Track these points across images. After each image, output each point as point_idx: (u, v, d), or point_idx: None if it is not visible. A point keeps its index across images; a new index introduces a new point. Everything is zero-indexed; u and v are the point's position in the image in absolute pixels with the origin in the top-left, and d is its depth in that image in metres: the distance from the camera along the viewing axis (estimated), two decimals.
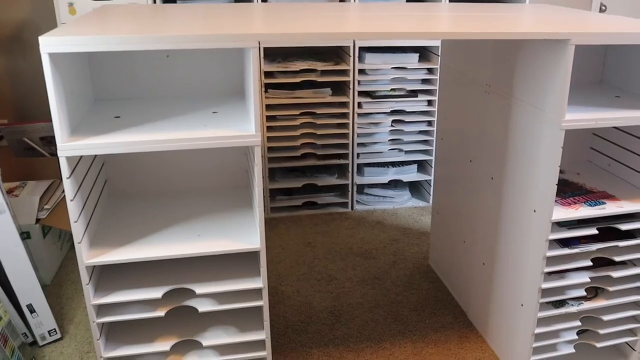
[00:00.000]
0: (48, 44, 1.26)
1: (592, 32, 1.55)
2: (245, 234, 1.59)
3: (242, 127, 1.47)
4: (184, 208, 1.77)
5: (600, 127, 1.68)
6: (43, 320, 2.07)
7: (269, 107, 2.96)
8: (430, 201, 3.26)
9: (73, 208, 1.40)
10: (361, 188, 3.28)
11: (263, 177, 3.02)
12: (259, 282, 1.57)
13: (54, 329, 2.10)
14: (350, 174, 3.15)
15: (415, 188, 3.43)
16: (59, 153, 1.34)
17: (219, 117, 1.57)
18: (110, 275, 1.61)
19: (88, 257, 1.48)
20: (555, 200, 1.82)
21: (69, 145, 1.35)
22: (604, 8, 3.87)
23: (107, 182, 1.83)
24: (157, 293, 1.53)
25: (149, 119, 1.55)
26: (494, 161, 1.98)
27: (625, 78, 1.98)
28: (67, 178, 1.37)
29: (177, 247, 1.52)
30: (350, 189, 3.18)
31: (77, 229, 1.43)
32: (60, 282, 2.48)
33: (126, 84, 1.77)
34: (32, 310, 2.05)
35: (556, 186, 1.67)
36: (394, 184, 3.31)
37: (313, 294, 2.41)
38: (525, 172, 1.80)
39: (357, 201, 3.24)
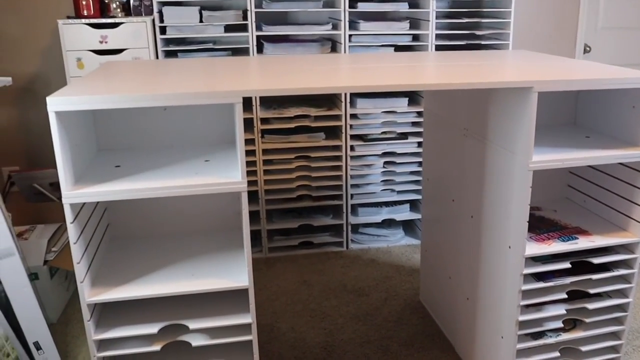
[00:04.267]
0: (55, 103, 1.41)
1: (553, 80, 1.69)
2: (236, 273, 1.71)
3: (230, 174, 1.61)
4: (180, 249, 1.90)
5: (568, 166, 1.80)
6: (49, 357, 2.18)
7: (265, 151, 3.10)
8: None
9: (76, 250, 1.53)
10: (355, 227, 3.40)
11: (261, 218, 3.16)
12: (248, 318, 1.68)
13: None
14: (344, 214, 3.27)
15: (408, 226, 3.54)
16: (64, 200, 1.48)
17: (210, 165, 1.71)
18: (110, 313, 1.73)
19: (90, 295, 1.60)
20: (530, 237, 1.94)
21: (73, 194, 1.49)
22: (588, 49, 4.03)
23: (109, 226, 1.96)
24: (153, 329, 1.65)
25: (146, 168, 1.69)
26: (473, 200, 2.11)
27: (595, 120, 2.11)
28: (71, 223, 1.50)
29: (172, 286, 1.64)
30: (345, 228, 3.29)
31: (80, 269, 1.55)
32: (66, 321, 2.59)
33: (127, 135, 1.92)
34: (38, 347, 2.16)
35: (527, 223, 1.79)
36: (388, 223, 3.43)
37: (307, 330, 2.51)
38: (500, 210, 1.92)
39: (351, 240, 3.35)
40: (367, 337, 2.45)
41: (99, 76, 1.79)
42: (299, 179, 3.17)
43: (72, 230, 1.51)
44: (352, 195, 3.27)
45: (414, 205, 3.43)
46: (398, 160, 3.24)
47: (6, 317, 2.13)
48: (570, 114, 2.23)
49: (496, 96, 1.89)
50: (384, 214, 3.34)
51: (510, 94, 1.80)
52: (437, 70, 1.91)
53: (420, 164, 3.29)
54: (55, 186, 3.23)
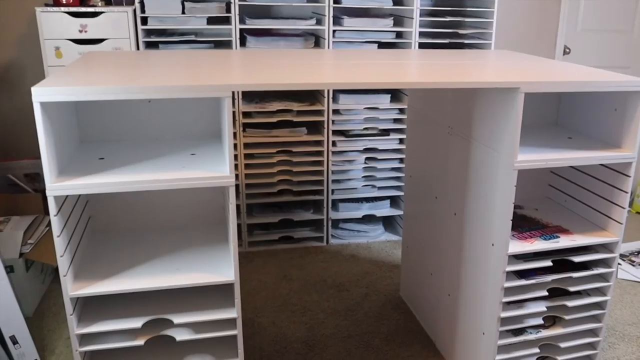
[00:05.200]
0: (40, 94, 1.37)
1: (540, 81, 1.71)
2: (221, 267, 1.69)
3: (217, 168, 1.59)
4: (164, 243, 1.87)
5: (551, 166, 1.82)
6: (25, 351, 2.14)
7: (247, 145, 3.08)
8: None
9: (59, 243, 1.50)
10: (336, 223, 3.40)
11: (241, 212, 3.14)
12: (233, 313, 1.67)
13: (36, 359, 2.17)
14: (325, 209, 3.27)
15: (388, 222, 3.56)
16: (48, 193, 1.45)
17: (196, 159, 1.69)
18: (92, 306, 1.70)
19: (72, 289, 1.57)
20: (512, 235, 1.96)
21: (57, 186, 1.46)
22: (568, 50, 4.08)
23: (90, 219, 1.93)
24: (137, 323, 1.63)
25: (131, 161, 1.67)
26: (457, 198, 2.12)
27: (577, 121, 2.14)
28: (55, 215, 1.47)
29: (157, 280, 1.62)
30: (325, 223, 3.30)
31: (63, 262, 1.52)
32: (41, 315, 2.55)
33: (109, 128, 1.88)
34: (14, 341, 2.12)
35: (511, 221, 1.81)
36: (368, 219, 3.44)
37: (288, 325, 2.50)
38: (484, 208, 1.93)
39: (332, 235, 3.36)
40: (348, 332, 2.46)
41: (81, 67, 1.76)
42: (280, 174, 3.15)
43: (55, 223, 1.48)
44: (333, 191, 3.27)
45: (394, 201, 3.45)
46: (379, 156, 3.24)
47: None
48: (553, 115, 2.26)
49: (482, 95, 1.90)
50: (364, 210, 3.35)
51: (496, 94, 1.81)
52: (422, 68, 1.91)
53: (401, 160, 3.30)
54: (30, 177, 3.17)
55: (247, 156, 3.10)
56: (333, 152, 3.19)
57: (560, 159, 1.82)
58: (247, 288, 2.82)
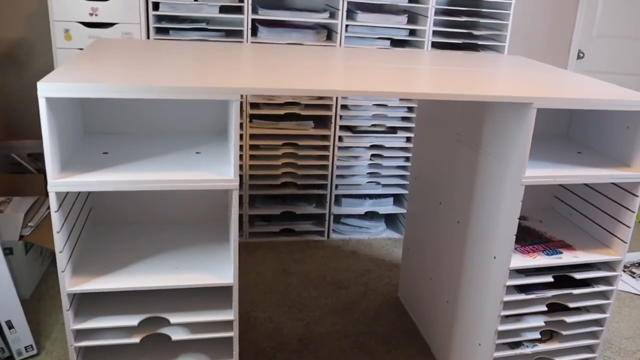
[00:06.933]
0: (46, 89, 1.35)
1: (553, 97, 1.68)
2: (220, 269, 1.68)
3: (222, 170, 1.57)
4: (163, 240, 1.86)
5: (560, 183, 1.80)
6: (20, 336, 2.14)
7: (253, 136, 3.06)
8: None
9: (59, 239, 1.49)
10: (338, 218, 3.39)
11: (244, 203, 3.13)
12: (230, 315, 1.66)
13: (31, 345, 2.17)
14: (328, 204, 3.26)
15: (390, 220, 3.54)
16: (49, 189, 1.43)
17: (201, 158, 1.67)
18: (89, 302, 1.70)
19: (70, 284, 1.56)
20: (515, 248, 1.94)
21: (59, 182, 1.44)
22: (581, 55, 4.04)
23: (92, 210, 1.92)
24: (133, 321, 1.62)
25: (135, 157, 1.65)
26: (461, 206, 2.10)
27: (588, 135, 2.11)
28: (55, 212, 1.46)
29: (155, 279, 1.61)
30: (327, 218, 3.28)
31: (62, 258, 1.51)
32: (39, 297, 2.55)
33: (115, 120, 1.86)
34: (10, 326, 2.12)
35: (515, 236, 1.79)
36: (370, 215, 3.43)
37: (284, 321, 2.50)
38: (488, 220, 1.91)
39: (333, 230, 3.35)
40: (345, 331, 2.45)
41: (89, 59, 1.73)
42: (284, 166, 3.14)
43: (56, 219, 1.47)
44: (336, 186, 3.25)
45: (397, 199, 3.43)
46: (385, 154, 3.22)
47: None
48: (563, 127, 2.23)
49: (493, 107, 1.87)
50: (367, 206, 3.34)
51: (508, 107, 1.78)
52: (434, 75, 1.88)
53: (407, 159, 3.28)
54: (34, 157, 3.17)
55: (252, 147, 3.08)
56: (339, 147, 3.17)
57: (569, 176, 1.80)
58: (245, 280, 2.81)
